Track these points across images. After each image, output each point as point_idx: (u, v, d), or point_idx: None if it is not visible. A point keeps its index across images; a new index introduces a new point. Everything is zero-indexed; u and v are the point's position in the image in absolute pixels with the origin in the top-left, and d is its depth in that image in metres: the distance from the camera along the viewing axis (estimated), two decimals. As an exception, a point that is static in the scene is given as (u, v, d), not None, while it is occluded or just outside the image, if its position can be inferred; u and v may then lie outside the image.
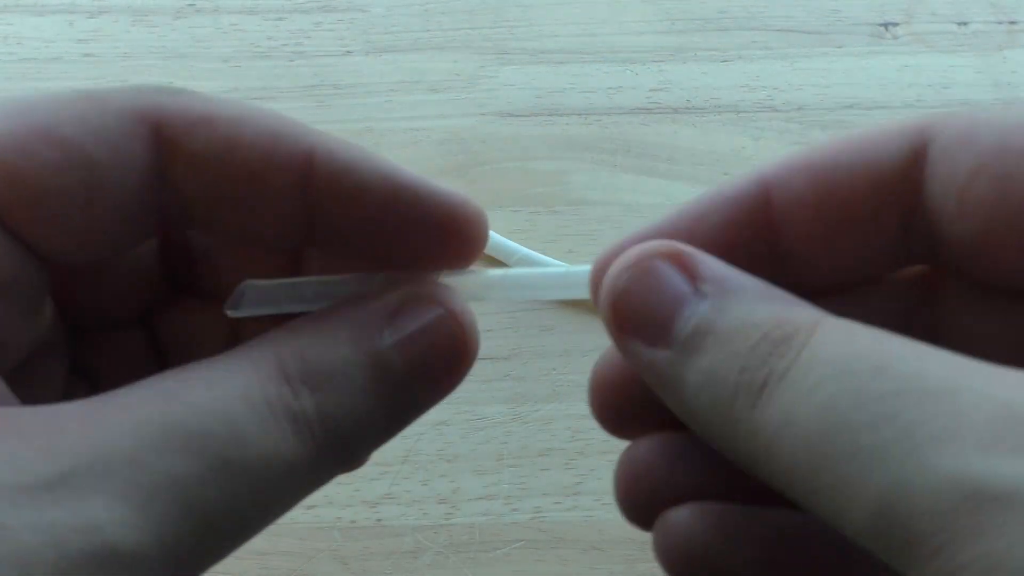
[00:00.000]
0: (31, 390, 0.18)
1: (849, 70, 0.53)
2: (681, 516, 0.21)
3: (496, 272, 0.20)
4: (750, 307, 0.17)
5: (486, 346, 0.44)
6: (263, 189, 0.19)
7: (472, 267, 0.20)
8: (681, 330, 0.18)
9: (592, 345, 0.44)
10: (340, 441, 0.18)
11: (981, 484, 0.13)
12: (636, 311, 0.18)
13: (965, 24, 0.54)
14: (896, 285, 0.20)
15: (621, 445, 0.41)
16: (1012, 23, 0.54)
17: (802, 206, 0.19)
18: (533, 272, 0.21)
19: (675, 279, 0.18)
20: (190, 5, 0.55)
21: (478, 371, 0.43)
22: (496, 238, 0.45)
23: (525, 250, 0.45)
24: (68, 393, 0.20)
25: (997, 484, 0.13)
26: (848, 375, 0.15)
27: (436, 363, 0.19)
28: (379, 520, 0.40)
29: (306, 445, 0.17)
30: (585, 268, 0.21)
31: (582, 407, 0.42)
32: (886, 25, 0.54)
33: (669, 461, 0.21)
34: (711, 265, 0.18)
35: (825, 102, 0.51)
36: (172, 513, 0.15)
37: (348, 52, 0.53)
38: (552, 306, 0.45)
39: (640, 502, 0.22)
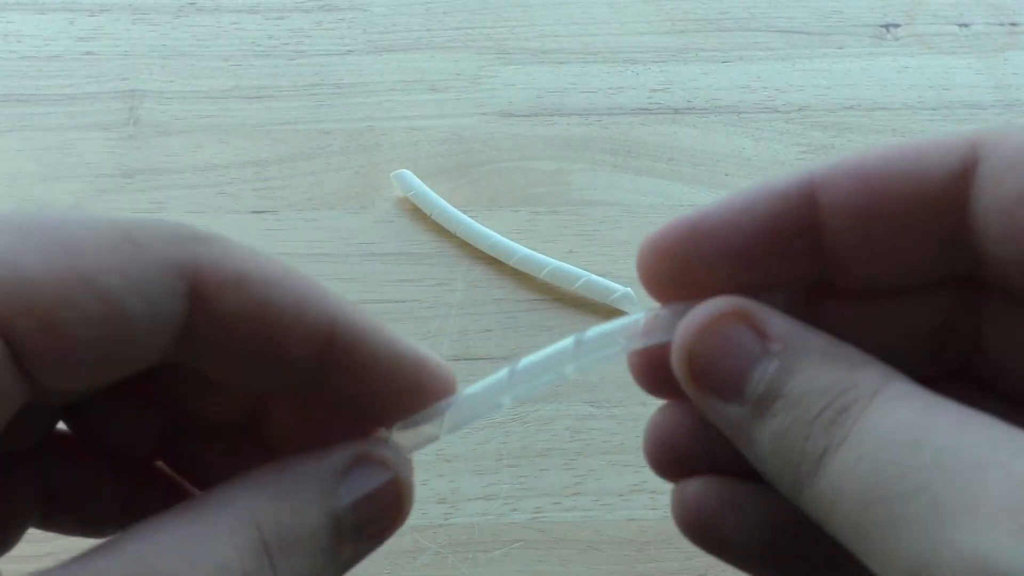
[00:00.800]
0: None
1: (850, 71, 0.53)
2: (692, 488, 0.22)
3: (436, 422, 0.21)
4: (816, 370, 0.18)
5: (486, 346, 0.44)
6: (286, 353, 0.19)
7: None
8: (753, 391, 0.19)
9: (592, 345, 0.44)
10: None
11: (990, 564, 0.14)
12: (711, 371, 0.20)
13: (966, 26, 0.54)
14: (939, 292, 0.21)
15: (621, 446, 0.41)
16: (1013, 25, 0.54)
17: (848, 210, 0.20)
18: (467, 400, 0.22)
19: (745, 338, 0.19)
20: (191, 3, 0.55)
21: (478, 371, 0.43)
22: (496, 238, 0.45)
23: (525, 250, 0.45)
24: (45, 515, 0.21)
25: (1004, 565, 0.14)
26: (889, 447, 0.16)
27: (381, 523, 0.20)
28: (378, 520, 0.40)
29: None
30: (499, 380, 0.22)
31: (581, 407, 0.42)
32: (887, 26, 0.54)
33: (691, 431, 0.22)
34: (778, 323, 0.19)
35: (826, 103, 0.51)
36: None
37: (349, 51, 0.53)
38: (552, 306, 0.45)
39: (663, 465, 0.23)
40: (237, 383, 0.20)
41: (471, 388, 0.22)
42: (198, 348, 0.19)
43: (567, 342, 0.22)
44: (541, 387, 0.22)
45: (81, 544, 0.18)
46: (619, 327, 0.22)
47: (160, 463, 0.23)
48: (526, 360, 0.22)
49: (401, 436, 0.21)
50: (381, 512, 0.20)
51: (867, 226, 0.19)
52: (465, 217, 0.46)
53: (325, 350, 0.20)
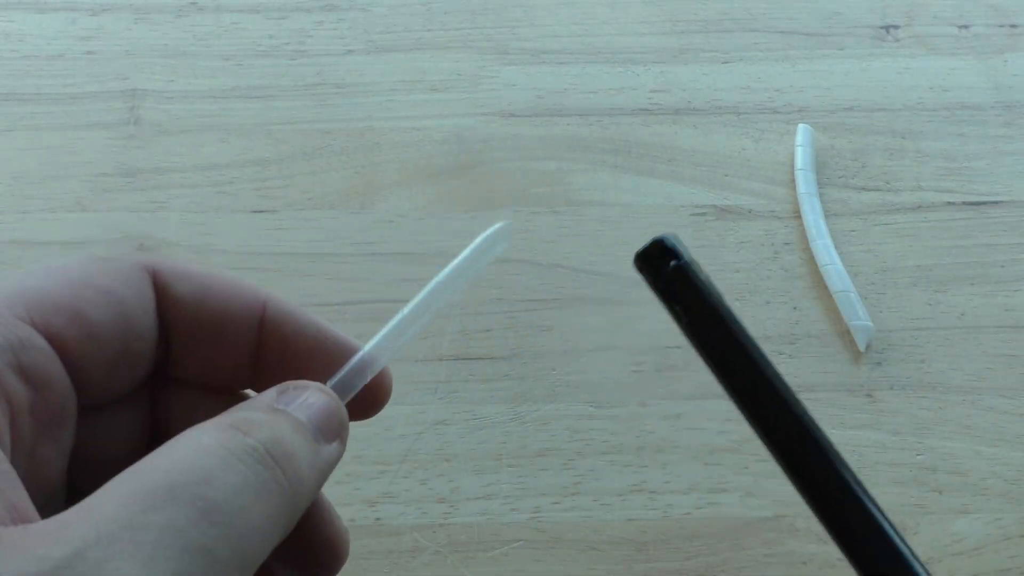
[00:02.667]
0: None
1: (850, 72, 0.53)
2: None
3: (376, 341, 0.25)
4: None
5: (486, 346, 0.44)
6: (230, 327, 0.24)
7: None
8: None
9: (592, 345, 0.44)
10: (295, 468, 0.21)
11: None
12: None
13: (966, 27, 0.54)
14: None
15: (620, 446, 0.42)
16: (1013, 26, 0.55)
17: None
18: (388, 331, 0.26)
19: None
20: (192, 3, 0.55)
21: (478, 371, 0.43)
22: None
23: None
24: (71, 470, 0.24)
25: None
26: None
27: (327, 423, 0.23)
28: (378, 519, 0.40)
29: (269, 470, 0.20)
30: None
31: (581, 407, 0.42)
32: (887, 28, 0.55)
33: None
34: None
35: (826, 104, 0.51)
36: (177, 558, 0.18)
37: (349, 51, 0.53)
38: (552, 306, 0.45)
39: None
40: (200, 373, 0.24)
41: (374, 339, 0.25)
42: (169, 342, 0.24)
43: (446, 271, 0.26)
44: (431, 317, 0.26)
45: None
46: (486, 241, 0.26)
47: None
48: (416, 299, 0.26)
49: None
50: (323, 414, 0.23)
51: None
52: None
53: (261, 326, 0.24)
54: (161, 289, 0.24)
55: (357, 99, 0.51)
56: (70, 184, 0.48)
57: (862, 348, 0.44)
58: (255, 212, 0.47)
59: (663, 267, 0.24)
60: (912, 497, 0.40)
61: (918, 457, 0.41)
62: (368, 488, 0.40)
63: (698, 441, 0.41)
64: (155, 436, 0.25)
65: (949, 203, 0.48)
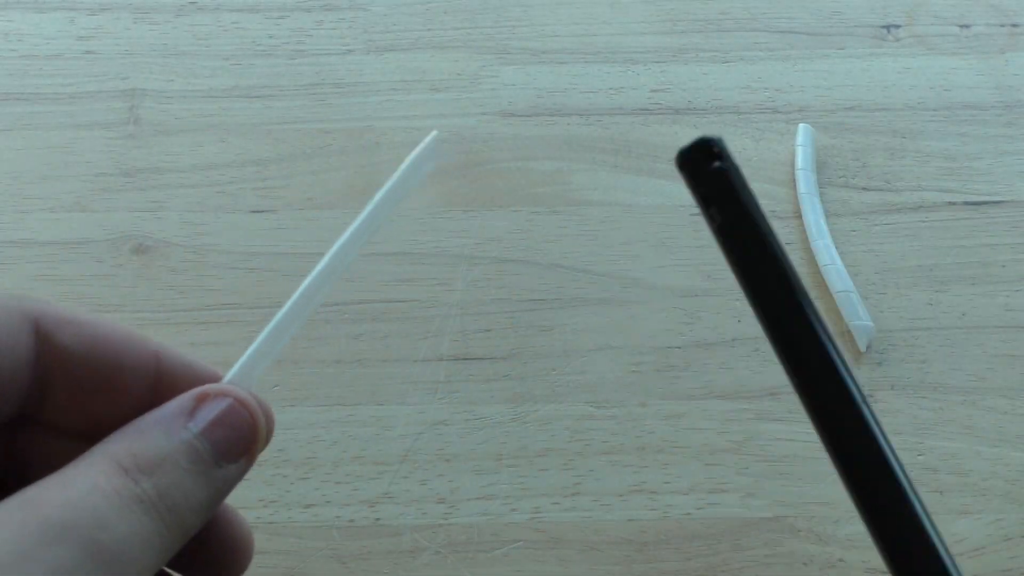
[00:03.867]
0: None
1: (850, 72, 0.53)
2: None
3: (252, 349, 0.25)
4: None
5: (486, 346, 0.44)
6: (121, 381, 0.23)
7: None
8: None
9: (592, 345, 0.44)
10: (179, 515, 0.21)
11: None
12: None
13: (967, 27, 0.54)
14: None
15: (620, 446, 0.41)
16: (1014, 26, 0.54)
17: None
18: (276, 322, 0.25)
19: None
20: (192, 3, 0.55)
21: (478, 371, 0.43)
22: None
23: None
24: None
25: None
26: None
27: (235, 443, 0.23)
28: (377, 519, 0.40)
29: (155, 521, 0.21)
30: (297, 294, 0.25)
31: (581, 407, 0.42)
32: (888, 27, 0.54)
33: None
34: None
35: (826, 104, 0.51)
36: None
37: (349, 51, 0.53)
38: (552, 306, 0.45)
39: None
40: (84, 427, 0.23)
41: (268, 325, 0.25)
42: (47, 390, 0.23)
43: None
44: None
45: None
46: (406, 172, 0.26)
47: None
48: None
49: (233, 376, 0.25)
50: (233, 432, 0.23)
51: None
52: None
53: (155, 379, 0.24)
54: (43, 337, 0.23)
55: (357, 99, 0.51)
56: (69, 184, 0.48)
57: (862, 348, 0.44)
58: (255, 212, 0.47)
59: (705, 166, 0.22)
60: (913, 497, 0.40)
61: (919, 457, 0.41)
62: (368, 488, 0.40)
63: (698, 441, 0.41)
64: (9, 472, 0.25)
65: (950, 203, 0.48)
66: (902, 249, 0.47)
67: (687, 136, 0.50)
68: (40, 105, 0.51)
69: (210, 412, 0.23)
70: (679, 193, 0.48)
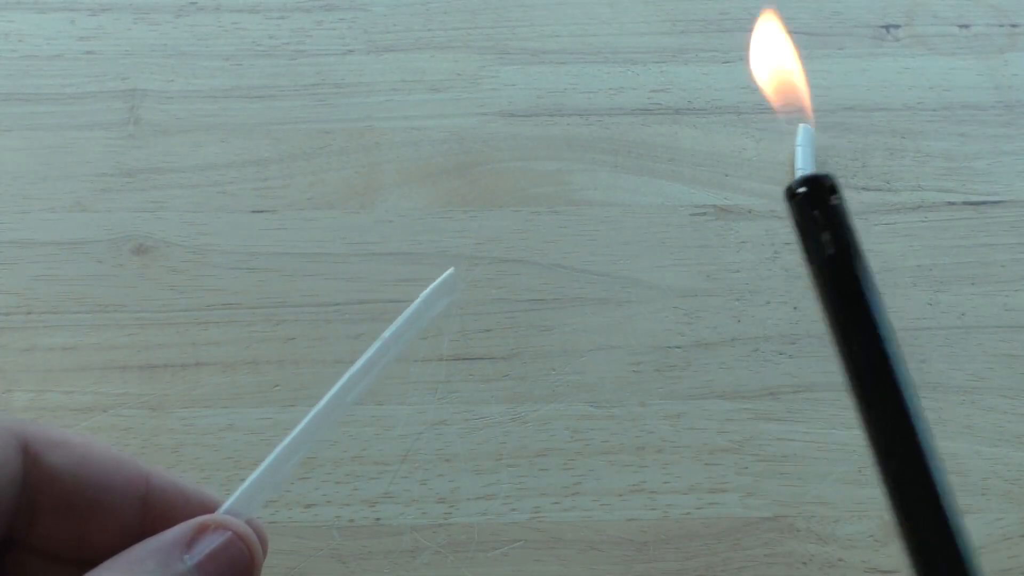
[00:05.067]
0: None
1: (850, 72, 0.53)
2: None
3: (253, 477, 0.24)
4: None
5: (486, 346, 0.44)
6: (107, 504, 0.23)
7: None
8: None
9: (592, 345, 0.44)
10: None
11: None
12: None
13: (966, 27, 0.54)
14: None
15: (620, 446, 0.42)
16: (1013, 26, 0.54)
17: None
18: (277, 454, 0.24)
19: None
20: (192, 3, 0.55)
21: (478, 371, 0.43)
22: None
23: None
24: None
25: None
26: None
27: (236, 569, 0.23)
28: (378, 519, 0.40)
29: None
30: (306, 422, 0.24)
31: (581, 407, 0.42)
32: (887, 27, 0.54)
33: None
34: None
35: (826, 104, 0.51)
36: None
37: (349, 51, 0.53)
38: (552, 306, 0.45)
39: None
40: (72, 551, 0.23)
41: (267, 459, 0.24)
42: (35, 512, 0.23)
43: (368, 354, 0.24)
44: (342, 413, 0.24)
45: None
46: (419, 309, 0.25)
47: None
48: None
49: (232, 506, 0.24)
50: (230, 566, 0.23)
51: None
52: None
53: (145, 501, 0.23)
54: (32, 458, 0.22)
55: (357, 99, 0.51)
56: (70, 184, 0.48)
57: (862, 348, 0.44)
58: (255, 212, 0.47)
59: (824, 200, 0.23)
60: (912, 497, 0.40)
61: (918, 457, 0.41)
62: (368, 488, 0.40)
63: (698, 441, 0.41)
64: None
65: (949, 203, 0.48)
66: (901, 249, 0.47)
67: (687, 136, 0.50)
68: (40, 105, 0.51)
69: (207, 545, 0.22)
70: (679, 193, 0.48)
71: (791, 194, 0.22)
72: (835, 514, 0.40)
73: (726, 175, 0.49)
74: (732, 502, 0.40)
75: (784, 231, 0.47)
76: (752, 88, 0.52)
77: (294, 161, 0.49)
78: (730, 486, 0.40)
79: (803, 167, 0.48)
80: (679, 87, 0.52)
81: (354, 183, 0.48)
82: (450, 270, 0.25)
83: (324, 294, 0.45)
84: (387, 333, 0.24)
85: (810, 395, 0.42)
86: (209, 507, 0.24)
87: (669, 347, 0.44)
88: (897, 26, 0.55)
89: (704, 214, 0.47)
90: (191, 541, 0.22)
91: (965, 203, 0.48)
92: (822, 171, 0.23)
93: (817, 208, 0.22)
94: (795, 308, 0.45)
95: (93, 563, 0.22)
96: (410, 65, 0.53)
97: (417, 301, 0.25)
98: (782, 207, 0.50)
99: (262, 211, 0.47)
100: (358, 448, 0.41)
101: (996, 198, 0.48)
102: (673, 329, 0.44)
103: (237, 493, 0.24)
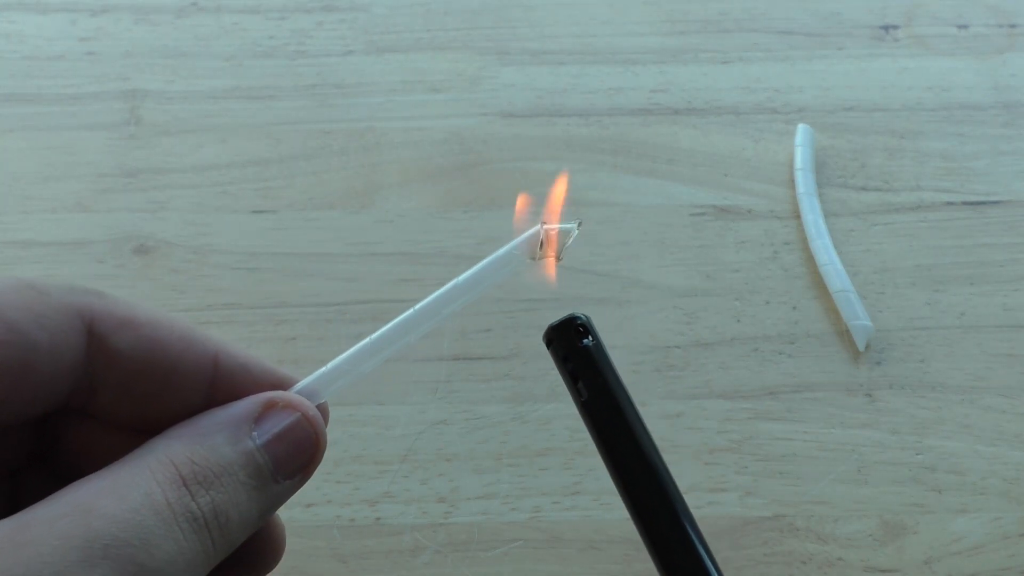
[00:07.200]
0: None
1: (849, 72, 0.53)
2: None
3: (332, 364, 0.24)
4: None
5: (486, 346, 0.45)
6: (177, 385, 0.23)
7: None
8: None
9: (591, 345, 0.44)
10: (229, 532, 0.21)
11: None
12: None
13: (965, 27, 0.55)
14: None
15: (620, 445, 0.41)
16: (1012, 27, 0.55)
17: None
18: (359, 349, 0.24)
19: None
20: (192, 4, 0.55)
21: (478, 371, 0.43)
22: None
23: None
24: None
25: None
26: None
27: (295, 459, 0.22)
28: (378, 519, 0.40)
29: (203, 541, 0.20)
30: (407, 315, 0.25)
31: (581, 407, 0.43)
32: (886, 28, 0.55)
33: None
34: None
35: (825, 104, 0.51)
36: None
37: (350, 52, 0.53)
38: (552, 306, 0.45)
39: None
40: (133, 422, 0.23)
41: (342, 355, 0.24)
42: (97, 388, 0.22)
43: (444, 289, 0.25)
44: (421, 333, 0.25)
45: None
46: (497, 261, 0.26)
47: None
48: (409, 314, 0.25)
49: (303, 387, 0.24)
50: (296, 448, 0.22)
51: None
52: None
53: (212, 382, 0.23)
54: (97, 339, 0.22)
55: (357, 99, 0.51)
56: (71, 184, 0.48)
57: (861, 348, 0.44)
58: (255, 212, 0.48)
59: (574, 343, 0.26)
60: (911, 496, 0.40)
61: (917, 456, 0.41)
62: (368, 488, 0.40)
63: (698, 441, 0.42)
64: (46, 457, 0.24)
65: (948, 203, 0.48)
66: (900, 249, 0.47)
67: (686, 136, 0.50)
68: (42, 106, 0.51)
69: (275, 424, 0.22)
70: (679, 193, 0.48)
71: (547, 343, 0.25)
72: (834, 513, 0.40)
73: (725, 175, 0.49)
74: (731, 501, 0.40)
75: (784, 231, 0.47)
76: (752, 88, 0.52)
77: (294, 161, 0.49)
78: (729, 485, 0.41)
79: (803, 167, 0.48)
80: (678, 87, 0.52)
81: (354, 183, 0.48)
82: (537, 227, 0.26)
83: (324, 294, 0.45)
84: (494, 255, 0.25)
85: (809, 395, 0.43)
86: (279, 384, 0.24)
87: (668, 347, 0.44)
88: (896, 26, 0.55)
89: (703, 214, 0.48)
90: (259, 418, 0.22)
91: (964, 203, 0.48)
92: (575, 313, 0.26)
93: (569, 355, 0.25)
94: (794, 308, 0.45)
95: (154, 432, 0.22)
96: (410, 65, 0.53)
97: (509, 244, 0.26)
98: (781, 207, 0.50)
99: (263, 211, 0.48)
100: (359, 447, 0.41)
101: (995, 198, 0.49)
102: (673, 329, 0.44)
103: (313, 376, 0.23)
